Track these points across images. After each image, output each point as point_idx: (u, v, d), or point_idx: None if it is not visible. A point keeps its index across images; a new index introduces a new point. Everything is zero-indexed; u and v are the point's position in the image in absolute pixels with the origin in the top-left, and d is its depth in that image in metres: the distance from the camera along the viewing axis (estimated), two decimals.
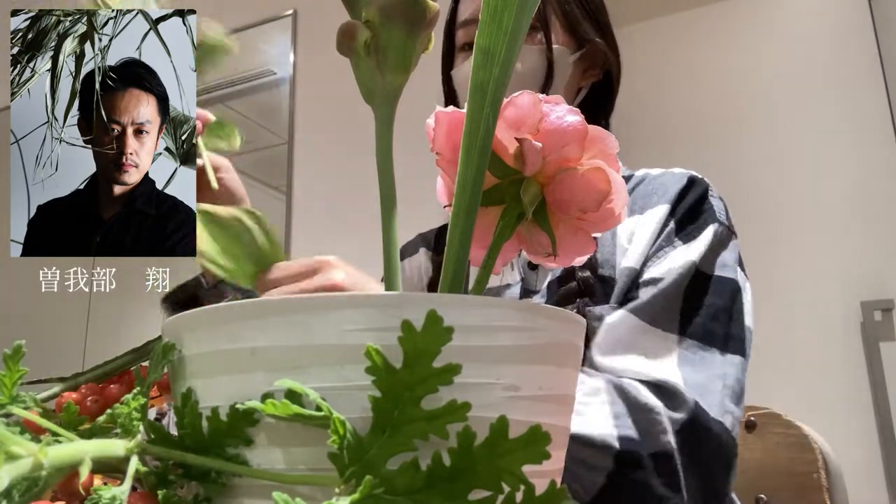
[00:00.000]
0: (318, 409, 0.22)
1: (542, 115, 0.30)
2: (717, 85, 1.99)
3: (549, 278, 0.77)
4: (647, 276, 0.69)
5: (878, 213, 1.75)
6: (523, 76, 0.79)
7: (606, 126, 0.87)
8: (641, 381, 0.62)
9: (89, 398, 0.33)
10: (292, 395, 0.22)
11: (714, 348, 0.65)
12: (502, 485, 0.21)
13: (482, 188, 0.29)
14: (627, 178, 0.84)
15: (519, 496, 0.21)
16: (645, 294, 0.67)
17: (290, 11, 2.45)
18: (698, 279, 0.67)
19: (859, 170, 1.79)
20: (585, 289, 0.72)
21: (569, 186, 0.31)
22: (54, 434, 0.25)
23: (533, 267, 0.79)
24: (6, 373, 0.28)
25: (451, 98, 0.89)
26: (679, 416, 0.59)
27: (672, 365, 0.63)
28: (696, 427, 0.60)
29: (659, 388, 0.61)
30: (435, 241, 0.92)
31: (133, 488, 0.24)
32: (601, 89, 0.86)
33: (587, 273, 0.72)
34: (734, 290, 0.68)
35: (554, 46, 0.80)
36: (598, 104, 0.87)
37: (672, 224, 0.71)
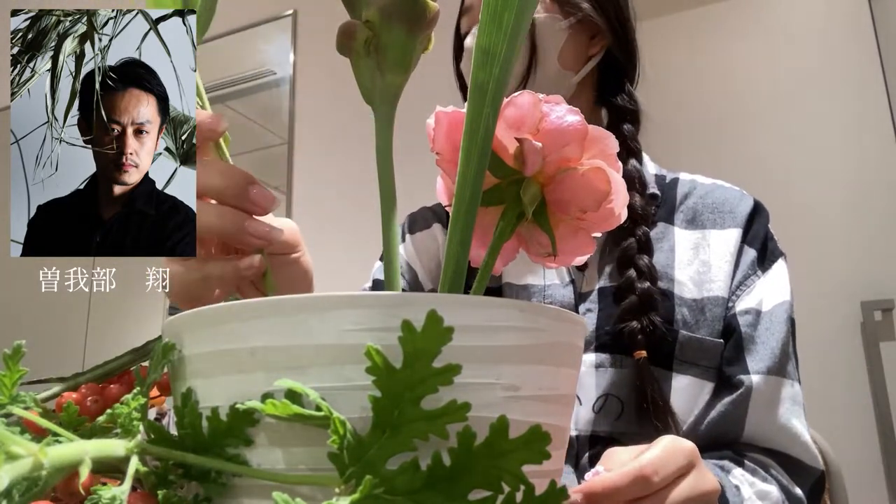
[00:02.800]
0: (318, 409, 0.22)
1: (542, 115, 0.30)
2: (717, 85, 1.99)
3: (598, 283, 0.75)
4: (743, 306, 0.72)
5: (879, 214, 1.75)
6: None
7: (626, 101, 0.82)
8: (799, 466, 0.69)
9: (89, 398, 0.33)
10: (292, 395, 0.22)
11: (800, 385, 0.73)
12: (502, 485, 0.21)
13: (482, 188, 0.29)
14: (667, 179, 0.82)
15: (519, 496, 0.21)
16: (760, 336, 0.71)
17: (290, 11, 2.45)
18: (791, 322, 0.73)
19: (859, 170, 1.79)
20: (648, 302, 0.70)
21: (569, 186, 0.31)
22: (54, 434, 0.25)
23: (581, 268, 0.77)
24: (6, 373, 0.28)
25: (465, 89, 0.88)
26: (807, 488, 0.68)
27: (805, 429, 0.70)
28: (818, 490, 0.70)
29: (805, 469, 0.69)
30: (448, 218, 0.89)
31: (133, 488, 0.24)
32: (617, 57, 0.83)
33: (647, 284, 0.70)
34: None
35: (537, 15, 0.77)
36: (615, 72, 0.83)
37: (751, 252, 0.75)
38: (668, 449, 0.44)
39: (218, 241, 0.43)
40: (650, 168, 0.82)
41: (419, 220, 0.89)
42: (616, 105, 0.82)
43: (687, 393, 0.70)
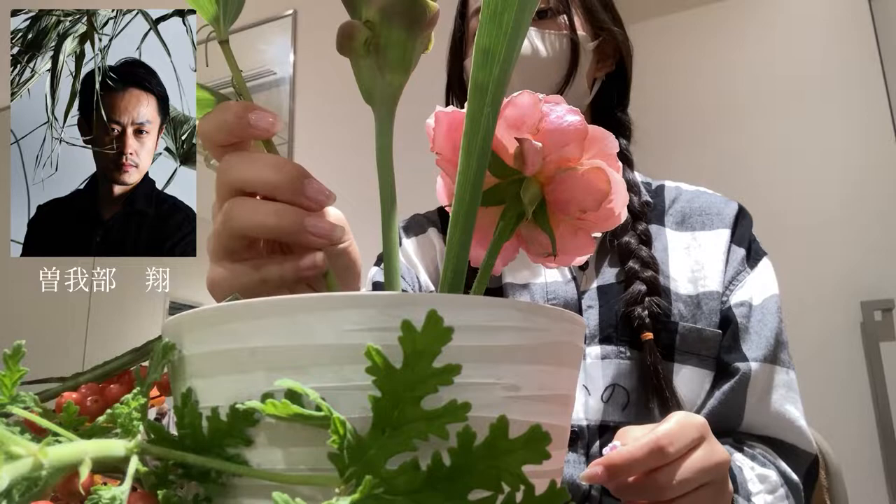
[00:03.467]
0: (318, 409, 0.22)
1: (542, 114, 0.30)
2: (717, 85, 1.99)
3: (596, 280, 0.77)
4: (736, 299, 0.76)
5: (878, 213, 1.75)
6: (548, 62, 0.80)
7: (624, 118, 0.87)
8: (792, 451, 0.71)
9: (89, 398, 0.33)
10: (292, 395, 0.22)
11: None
12: (502, 485, 0.21)
13: (482, 188, 0.29)
14: (653, 186, 0.86)
15: (519, 496, 0.21)
16: (754, 327, 0.74)
17: (290, 11, 2.45)
18: (780, 315, 0.77)
19: (859, 170, 1.79)
20: (654, 288, 0.74)
21: (569, 186, 0.31)
22: (54, 434, 0.25)
23: (582, 266, 0.79)
24: (6, 373, 0.28)
25: (456, 85, 0.90)
26: (802, 472, 0.71)
27: (800, 414, 0.73)
28: (813, 474, 0.73)
29: (802, 457, 0.72)
30: (441, 222, 0.91)
31: (133, 488, 0.24)
32: (614, 81, 0.87)
33: (650, 273, 0.74)
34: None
35: (580, 32, 0.81)
36: (612, 96, 0.87)
37: (739, 251, 0.79)
38: (681, 422, 0.46)
39: (266, 241, 0.39)
40: (637, 177, 0.86)
41: (414, 226, 0.91)
42: (616, 120, 0.86)
43: (689, 385, 0.72)
